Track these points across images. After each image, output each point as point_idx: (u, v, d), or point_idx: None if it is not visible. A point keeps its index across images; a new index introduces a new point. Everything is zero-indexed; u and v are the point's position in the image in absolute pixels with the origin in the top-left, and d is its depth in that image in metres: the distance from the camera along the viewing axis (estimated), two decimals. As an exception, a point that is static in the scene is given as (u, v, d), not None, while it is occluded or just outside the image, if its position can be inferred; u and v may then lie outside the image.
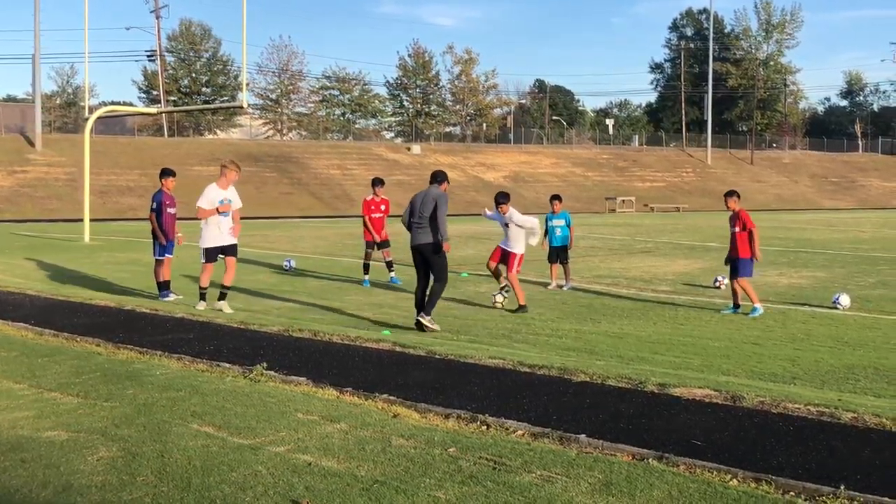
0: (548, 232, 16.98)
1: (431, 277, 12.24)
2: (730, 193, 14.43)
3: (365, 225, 17.86)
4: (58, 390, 7.51)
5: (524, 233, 14.44)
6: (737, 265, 13.70)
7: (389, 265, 17.81)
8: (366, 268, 17.73)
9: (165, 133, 75.37)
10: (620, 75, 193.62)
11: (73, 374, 8.18)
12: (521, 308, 13.71)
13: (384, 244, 17.76)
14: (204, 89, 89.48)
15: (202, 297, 13.49)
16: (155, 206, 15.29)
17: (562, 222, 17.10)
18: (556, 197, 17.31)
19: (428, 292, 12.14)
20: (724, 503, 4.83)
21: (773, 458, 5.56)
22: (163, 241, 15.12)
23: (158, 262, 15.06)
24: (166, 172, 15.77)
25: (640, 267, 20.74)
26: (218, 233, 13.27)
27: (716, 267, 20.30)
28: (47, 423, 6.48)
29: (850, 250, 25.94)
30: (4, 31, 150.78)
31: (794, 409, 6.75)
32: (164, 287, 14.95)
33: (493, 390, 7.46)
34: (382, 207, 17.90)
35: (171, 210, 15.38)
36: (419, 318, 11.88)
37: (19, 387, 7.67)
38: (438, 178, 12.85)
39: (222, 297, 13.24)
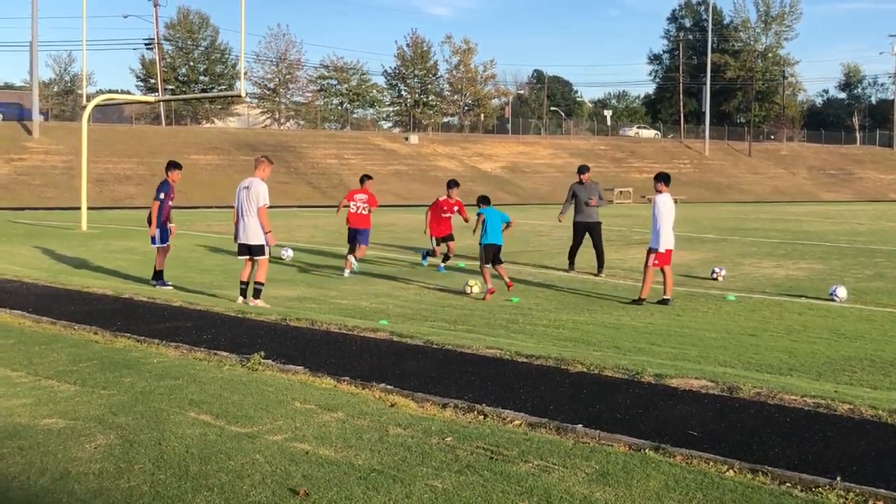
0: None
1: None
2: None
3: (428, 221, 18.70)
4: (55, 378, 7.52)
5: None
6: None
7: (447, 257, 18.55)
8: (442, 256, 18.60)
9: (163, 121, 75.25)
10: (619, 66, 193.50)
11: (70, 361, 8.19)
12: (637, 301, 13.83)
13: (449, 237, 18.51)
14: (202, 78, 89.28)
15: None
16: (162, 195, 15.34)
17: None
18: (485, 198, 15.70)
19: (597, 257, 17.32)
20: (720, 494, 4.85)
21: (770, 449, 5.58)
22: (152, 231, 15.23)
23: (160, 250, 15.20)
24: (174, 165, 15.77)
25: (637, 258, 20.71)
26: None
27: (713, 258, 20.32)
28: (45, 410, 6.49)
29: (848, 242, 25.96)
30: (2, 18, 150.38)
31: (791, 400, 6.77)
32: (160, 276, 15.00)
33: (491, 380, 7.48)
34: (456, 209, 18.54)
35: (170, 202, 15.46)
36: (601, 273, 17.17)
37: (17, 374, 7.67)
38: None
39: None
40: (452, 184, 18.78)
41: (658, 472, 5.18)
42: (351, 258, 17.05)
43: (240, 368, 7.94)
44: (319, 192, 60.10)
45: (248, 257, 13.09)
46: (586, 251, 17.81)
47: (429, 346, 8.96)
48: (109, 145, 58.66)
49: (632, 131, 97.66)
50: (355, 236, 17.38)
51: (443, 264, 18.48)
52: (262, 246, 12.98)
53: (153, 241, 15.30)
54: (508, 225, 14.91)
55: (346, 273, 16.87)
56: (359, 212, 17.30)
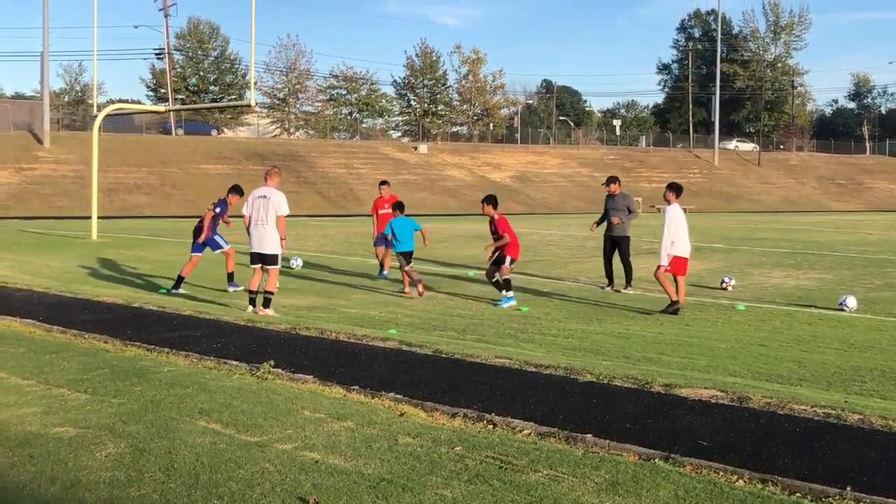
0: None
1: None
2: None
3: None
4: (66, 387, 7.54)
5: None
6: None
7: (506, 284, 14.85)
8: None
9: (173, 131, 75.49)
10: (628, 76, 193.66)
11: (80, 370, 8.21)
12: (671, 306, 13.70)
13: (498, 259, 15.07)
14: (212, 87, 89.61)
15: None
16: (218, 210, 15.98)
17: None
18: (398, 205, 16.77)
19: (624, 270, 16.81)
20: None
21: (780, 459, 5.57)
22: (201, 240, 15.96)
23: (228, 255, 16.01)
24: (236, 189, 16.25)
25: (646, 267, 20.67)
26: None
27: (722, 268, 20.29)
28: (55, 419, 6.51)
29: (857, 252, 25.90)
30: (13, 28, 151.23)
31: (801, 410, 6.75)
32: (231, 278, 15.94)
33: (500, 389, 7.48)
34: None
35: (223, 219, 16.24)
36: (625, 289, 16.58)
37: (27, 383, 7.70)
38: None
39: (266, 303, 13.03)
40: (490, 199, 15.31)
41: (668, 481, 5.17)
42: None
43: (249, 377, 7.96)
44: (329, 201, 60.18)
45: (260, 266, 13.13)
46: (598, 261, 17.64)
47: (438, 356, 8.97)
48: (120, 155, 58.87)
49: (731, 144, 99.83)
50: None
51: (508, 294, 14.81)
52: (276, 255, 13.04)
53: (213, 247, 15.99)
54: (420, 232, 16.29)
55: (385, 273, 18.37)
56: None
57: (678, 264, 13.85)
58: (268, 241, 12.95)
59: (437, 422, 6.50)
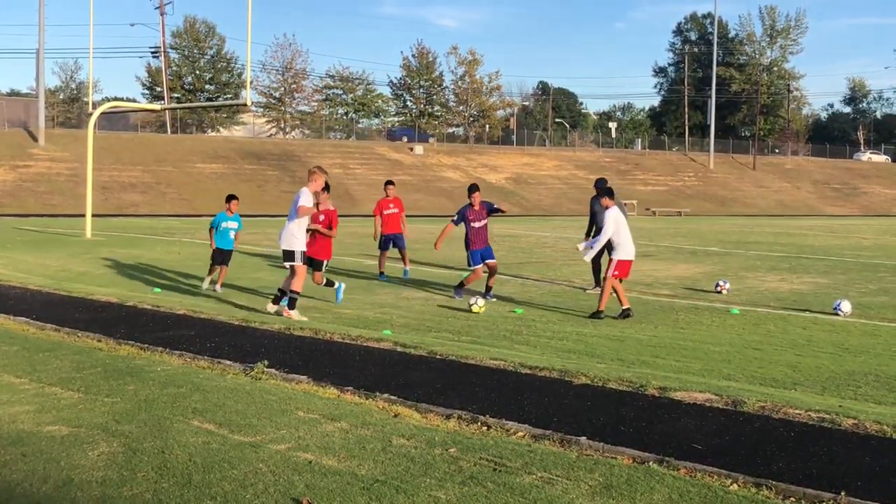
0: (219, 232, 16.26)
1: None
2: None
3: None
4: (59, 385, 7.52)
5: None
6: None
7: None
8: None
9: (168, 130, 75.45)
10: (624, 79, 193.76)
11: (74, 369, 8.19)
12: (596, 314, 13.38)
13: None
14: (207, 86, 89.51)
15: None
16: (455, 219, 15.36)
17: (235, 224, 16.47)
18: (232, 197, 16.68)
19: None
20: (724, 508, 4.84)
21: (774, 464, 5.57)
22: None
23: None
24: (474, 187, 15.58)
25: (641, 270, 20.72)
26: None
27: (717, 272, 20.29)
28: (48, 417, 6.49)
29: (852, 257, 25.91)
30: (9, 25, 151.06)
31: (795, 414, 6.75)
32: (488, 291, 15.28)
33: (494, 391, 7.47)
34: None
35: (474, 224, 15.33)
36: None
37: (20, 381, 7.68)
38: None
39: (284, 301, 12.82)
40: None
41: (662, 485, 5.16)
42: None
43: (243, 377, 7.94)
44: (324, 201, 60.05)
45: (288, 264, 12.88)
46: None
47: (432, 357, 8.96)
48: (115, 153, 58.73)
49: (865, 156, 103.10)
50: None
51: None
52: (292, 252, 12.70)
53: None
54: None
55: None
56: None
57: (623, 268, 13.82)
58: (284, 237, 12.77)
59: (432, 423, 6.50)
